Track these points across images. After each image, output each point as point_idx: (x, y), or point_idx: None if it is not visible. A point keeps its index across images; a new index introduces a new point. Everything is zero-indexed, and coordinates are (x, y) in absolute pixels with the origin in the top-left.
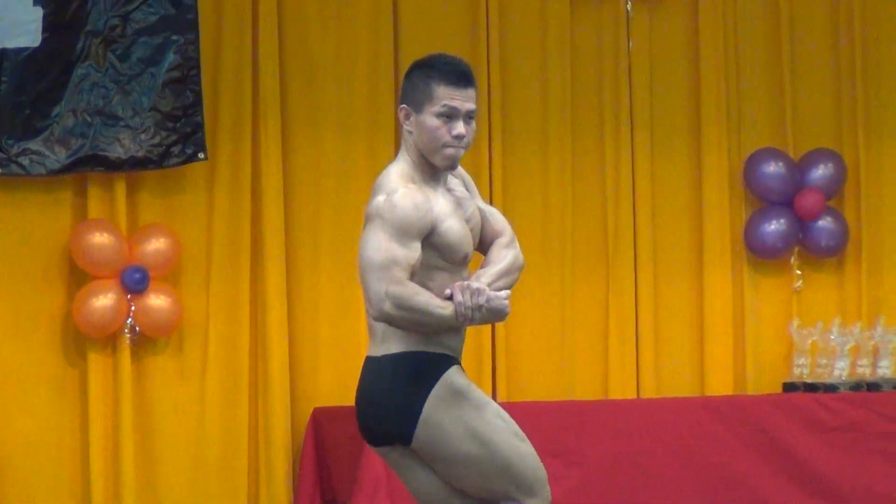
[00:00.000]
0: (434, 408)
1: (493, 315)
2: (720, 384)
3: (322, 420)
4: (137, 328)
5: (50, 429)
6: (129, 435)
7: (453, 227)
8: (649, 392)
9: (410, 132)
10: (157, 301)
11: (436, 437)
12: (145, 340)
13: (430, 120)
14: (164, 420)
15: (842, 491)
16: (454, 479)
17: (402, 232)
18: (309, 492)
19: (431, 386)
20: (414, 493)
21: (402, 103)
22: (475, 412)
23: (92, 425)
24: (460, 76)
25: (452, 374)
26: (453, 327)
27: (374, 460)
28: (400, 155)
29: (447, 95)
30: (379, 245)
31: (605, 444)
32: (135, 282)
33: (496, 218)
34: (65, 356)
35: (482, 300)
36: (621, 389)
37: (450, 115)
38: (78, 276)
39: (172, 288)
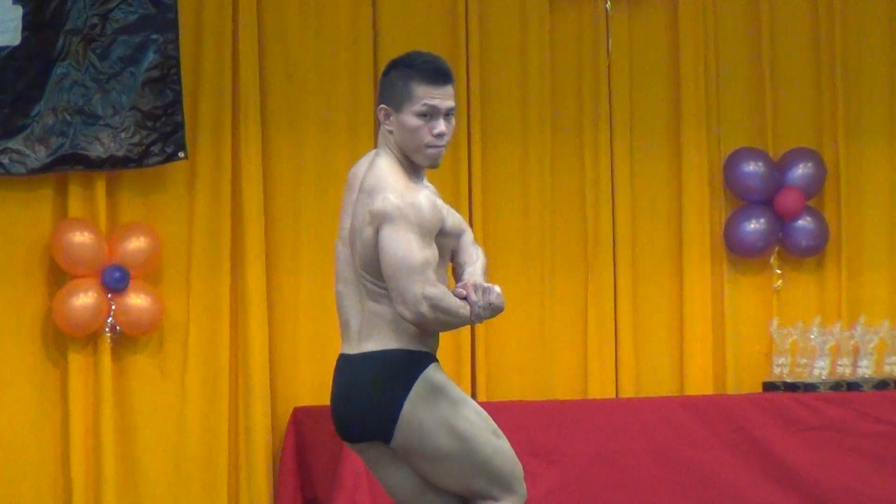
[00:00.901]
0: (414, 405)
1: (495, 311)
2: (700, 383)
3: (303, 419)
4: (118, 327)
5: (30, 428)
6: (110, 434)
7: (451, 223)
8: (628, 391)
9: (391, 132)
10: (137, 300)
11: (416, 434)
12: (126, 340)
13: (411, 119)
14: (145, 419)
15: (822, 490)
16: (433, 475)
17: (429, 232)
18: (290, 490)
19: (411, 384)
20: (388, 489)
21: (381, 103)
22: (453, 409)
23: (72, 424)
24: (439, 74)
25: (431, 372)
26: (466, 325)
27: (355, 459)
28: (381, 152)
29: (427, 94)
30: (412, 247)
31: (585, 443)
32: (115, 281)
33: (455, 215)
34: (45, 355)
35: (493, 298)
36: (600, 389)
37: (430, 114)
38: (58, 275)
39: (153, 287)
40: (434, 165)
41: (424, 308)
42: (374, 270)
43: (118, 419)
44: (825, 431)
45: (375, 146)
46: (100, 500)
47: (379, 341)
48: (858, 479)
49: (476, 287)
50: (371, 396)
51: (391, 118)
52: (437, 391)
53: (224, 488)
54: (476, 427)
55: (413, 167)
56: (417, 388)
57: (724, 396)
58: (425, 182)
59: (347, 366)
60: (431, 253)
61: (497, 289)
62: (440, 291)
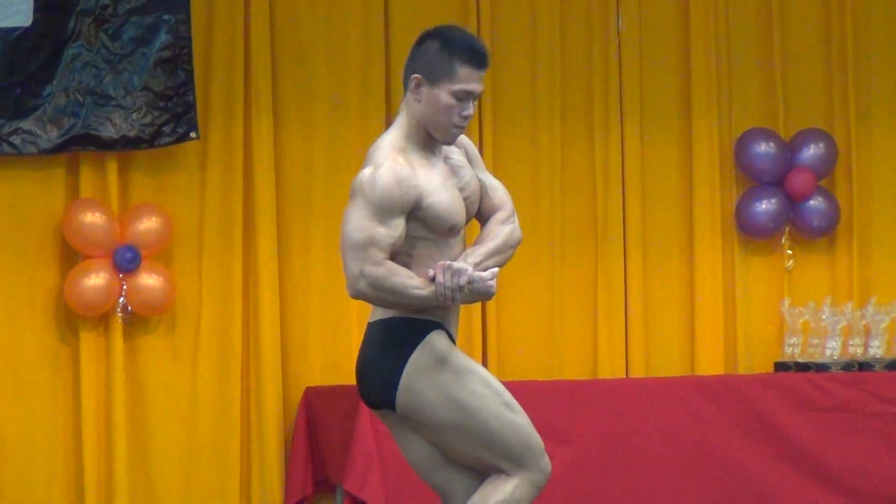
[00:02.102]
0: (413, 373)
1: (477, 296)
2: (710, 364)
3: (314, 399)
4: (129, 307)
5: (42, 408)
6: (122, 414)
7: (440, 200)
8: (639, 371)
9: (418, 101)
10: (148, 280)
11: (416, 403)
12: (137, 320)
13: (446, 97)
14: (157, 400)
15: (832, 470)
16: (441, 446)
17: (384, 210)
18: (301, 471)
19: (411, 351)
20: (407, 459)
21: (415, 72)
22: (456, 379)
23: (84, 404)
24: (482, 59)
25: (433, 340)
26: (435, 306)
27: (367, 439)
28: (396, 122)
29: (468, 78)
30: (358, 223)
31: (595, 423)
32: (126, 261)
33: (497, 192)
34: (57, 335)
35: (463, 281)
36: (610, 369)
37: (465, 98)
38: (70, 255)
39: (164, 267)
40: (450, 143)
41: (362, 286)
42: None
43: (130, 400)
44: (836, 412)
45: (388, 125)
46: (111, 479)
47: (384, 310)
48: (870, 459)
49: (446, 268)
50: (374, 363)
51: (422, 89)
52: (439, 359)
53: (235, 469)
54: (481, 399)
55: (428, 141)
56: (417, 355)
57: (735, 377)
58: (449, 152)
59: (366, 333)
60: (384, 231)
61: (475, 274)
62: (382, 271)
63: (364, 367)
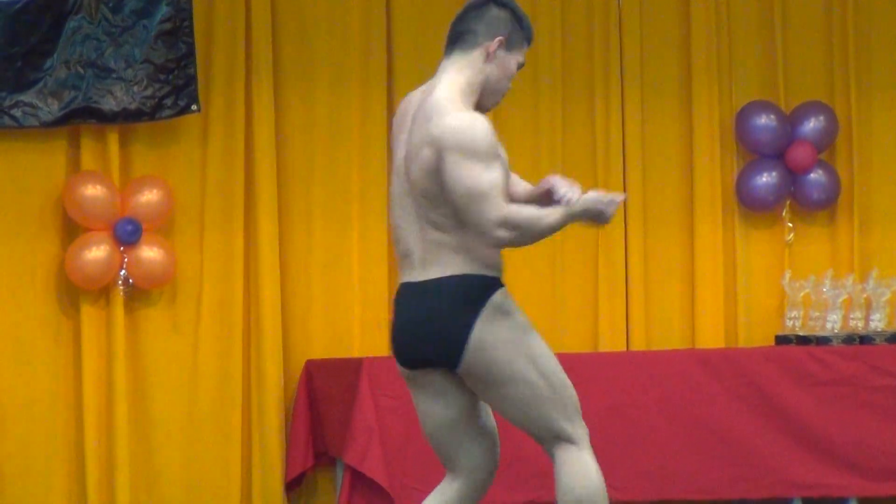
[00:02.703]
0: (483, 329)
1: (594, 216)
2: (711, 337)
3: (314, 372)
4: (131, 280)
5: (43, 380)
6: (123, 387)
7: (503, 153)
8: (639, 345)
9: (490, 62)
10: (149, 253)
11: (486, 358)
12: (138, 292)
13: (513, 66)
14: (158, 372)
15: (833, 444)
16: (502, 403)
17: (490, 155)
18: (301, 444)
19: (480, 307)
20: (425, 425)
21: (497, 35)
22: (523, 334)
23: (85, 377)
24: (532, 39)
25: (500, 297)
26: (560, 228)
27: (367, 413)
28: (449, 76)
29: (524, 53)
30: (476, 174)
31: (596, 396)
32: (127, 234)
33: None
34: (59, 308)
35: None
36: (611, 342)
37: (517, 71)
38: (71, 228)
39: (165, 240)
40: (489, 110)
41: (502, 233)
42: (434, 197)
43: (130, 372)
44: (837, 385)
45: (389, 99)
46: (112, 451)
47: (444, 267)
48: (871, 433)
49: (561, 180)
50: (440, 321)
51: (499, 52)
52: (506, 315)
53: (237, 441)
54: (546, 355)
55: (474, 101)
56: (486, 311)
57: (736, 350)
58: None
59: (413, 293)
60: (499, 174)
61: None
62: (514, 209)
63: (421, 324)
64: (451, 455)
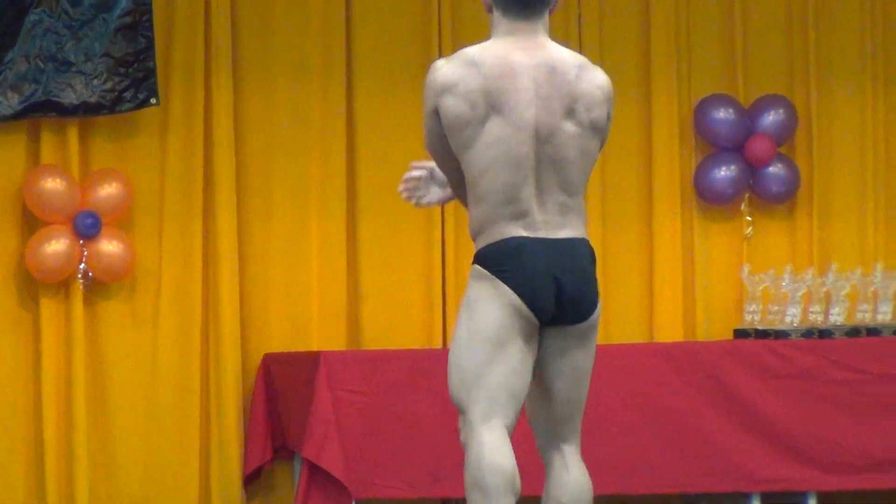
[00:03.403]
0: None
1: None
2: (670, 331)
3: (272, 366)
4: (90, 273)
5: (2, 373)
6: (82, 380)
7: None
8: (598, 338)
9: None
10: (109, 246)
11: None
12: (98, 286)
13: None
14: (117, 365)
15: (792, 438)
16: (590, 362)
17: None
18: (260, 438)
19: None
20: (561, 378)
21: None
22: None
23: (44, 370)
24: None
25: None
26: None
27: (325, 406)
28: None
29: None
30: None
31: None
32: (87, 227)
33: None
34: (18, 301)
35: None
36: None
37: None
38: (30, 221)
39: (125, 233)
40: None
41: None
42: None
43: (90, 365)
44: (796, 379)
45: (349, 91)
46: (71, 444)
47: (581, 229)
48: (829, 427)
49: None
50: (593, 273)
51: None
52: None
53: (195, 434)
54: None
55: None
56: None
57: (695, 343)
58: None
59: (568, 249)
60: None
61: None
62: None
63: (591, 276)
64: (562, 417)
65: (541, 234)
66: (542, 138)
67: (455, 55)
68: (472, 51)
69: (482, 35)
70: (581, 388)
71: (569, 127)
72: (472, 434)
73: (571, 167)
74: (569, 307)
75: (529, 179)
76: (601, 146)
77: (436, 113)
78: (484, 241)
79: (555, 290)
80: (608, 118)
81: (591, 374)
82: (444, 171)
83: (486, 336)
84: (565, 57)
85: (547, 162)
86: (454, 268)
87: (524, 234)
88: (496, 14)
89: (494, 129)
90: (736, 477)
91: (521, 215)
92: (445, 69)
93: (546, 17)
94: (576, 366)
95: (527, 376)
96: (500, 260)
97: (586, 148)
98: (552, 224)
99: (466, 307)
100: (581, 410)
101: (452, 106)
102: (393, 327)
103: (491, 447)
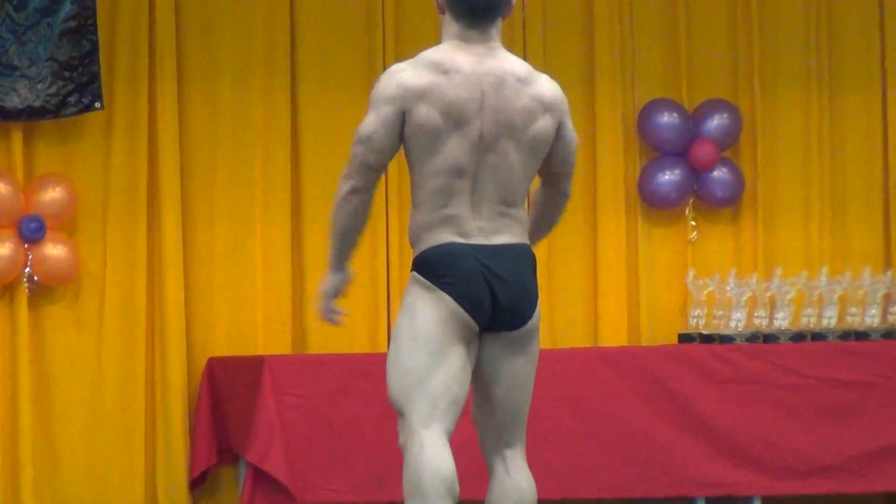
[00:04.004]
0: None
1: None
2: (614, 335)
3: (217, 370)
4: (35, 277)
5: None
6: (27, 383)
7: None
8: (543, 343)
9: None
10: (54, 250)
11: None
12: (43, 290)
13: None
14: (62, 369)
15: (737, 442)
16: (530, 373)
17: None
18: (205, 442)
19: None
20: (500, 385)
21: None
22: None
23: None
24: None
25: None
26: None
27: (269, 410)
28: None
29: None
30: None
31: None
32: (31, 231)
33: None
34: None
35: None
36: None
37: None
38: None
39: (69, 237)
40: None
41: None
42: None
43: (35, 369)
44: (741, 384)
45: (292, 96)
46: (16, 447)
47: (522, 235)
48: (774, 431)
49: None
50: (533, 281)
51: None
52: None
53: (140, 438)
54: None
55: None
56: None
57: (639, 348)
58: None
59: (511, 256)
60: None
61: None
62: None
63: (529, 282)
64: (508, 419)
65: (474, 241)
66: (484, 148)
67: (417, 59)
68: (436, 56)
69: (426, 39)
70: (522, 394)
71: (510, 139)
72: (411, 437)
73: (510, 178)
74: (505, 313)
75: (466, 188)
76: (558, 151)
77: (401, 115)
78: (420, 248)
79: (490, 295)
80: (559, 126)
81: (535, 379)
82: (358, 166)
83: (426, 341)
84: (514, 68)
85: (486, 171)
86: (398, 273)
87: (458, 240)
88: (448, 18)
89: (451, 139)
90: (681, 481)
91: (455, 222)
92: (412, 73)
93: (499, 23)
94: (515, 372)
95: (466, 381)
96: (436, 266)
97: (526, 160)
98: (487, 231)
99: (406, 312)
100: (523, 416)
101: (427, 114)
102: (338, 332)
103: (430, 451)
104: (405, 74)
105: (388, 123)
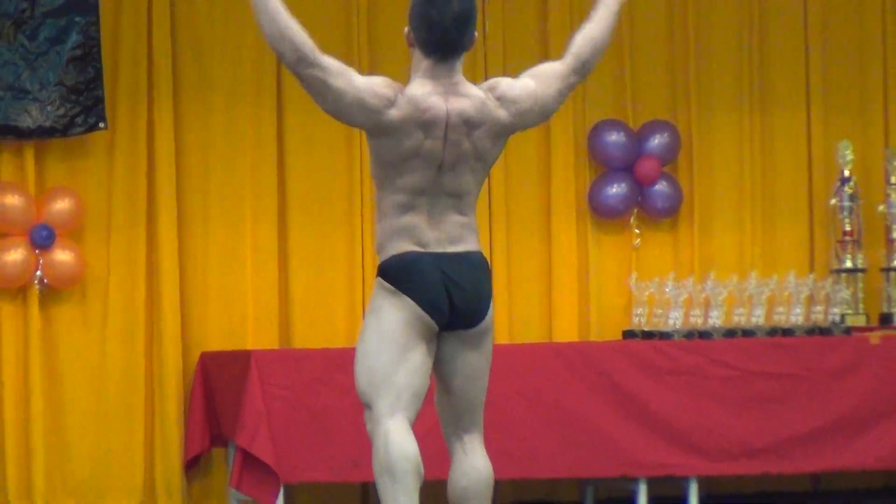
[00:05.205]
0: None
1: None
2: (566, 331)
3: (208, 363)
4: (45, 280)
5: None
6: (38, 376)
7: None
8: (502, 338)
9: None
10: (62, 256)
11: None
12: (52, 292)
13: None
14: (70, 363)
15: (676, 428)
16: (486, 363)
17: None
18: (198, 428)
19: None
20: (458, 377)
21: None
22: None
23: (4, 368)
24: None
25: None
26: None
27: (256, 400)
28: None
29: None
30: None
31: None
32: (42, 238)
33: None
34: None
35: None
36: None
37: None
38: None
39: (76, 244)
40: None
41: None
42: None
43: (46, 363)
44: (679, 375)
45: (279, 115)
46: (29, 438)
47: (476, 243)
48: (709, 417)
49: None
50: (488, 283)
51: None
52: None
53: (140, 425)
54: None
55: None
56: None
57: (588, 343)
58: None
59: (471, 263)
60: None
61: None
62: None
63: (482, 286)
64: (463, 408)
65: (432, 250)
66: (443, 171)
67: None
68: (413, 93)
69: (399, 63)
70: (478, 385)
71: (466, 165)
72: (378, 426)
73: (465, 194)
74: (462, 313)
75: (424, 204)
76: (537, 105)
77: (390, 103)
78: (384, 256)
79: (447, 298)
80: (514, 111)
81: (491, 371)
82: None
83: (391, 340)
84: (474, 100)
85: (444, 190)
86: (373, 274)
87: (418, 249)
88: (418, 53)
89: (415, 162)
90: (625, 463)
91: (414, 233)
92: (406, 96)
93: (462, 57)
94: (471, 365)
95: (427, 375)
96: (398, 273)
97: (479, 179)
98: (444, 240)
99: (372, 314)
100: (480, 404)
101: (400, 136)
102: (319, 328)
103: (396, 436)
104: (408, 91)
105: (370, 90)
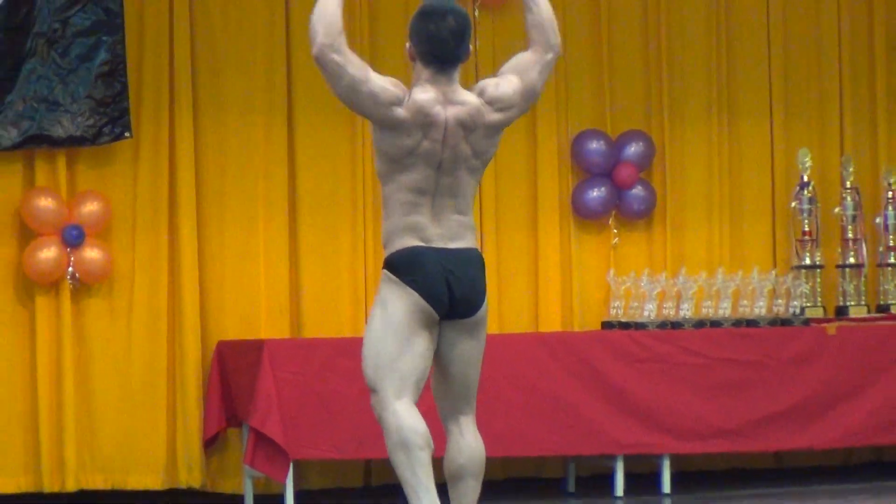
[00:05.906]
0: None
1: None
2: (550, 322)
3: (225, 351)
4: (76, 276)
5: (2, 359)
6: (70, 365)
7: None
8: (492, 329)
9: None
10: (92, 254)
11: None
12: (83, 286)
13: None
14: (99, 352)
15: (650, 410)
16: (479, 353)
17: None
18: (215, 410)
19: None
20: (459, 364)
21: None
22: None
23: (39, 357)
24: None
25: None
26: None
27: (268, 385)
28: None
29: None
30: None
31: None
32: (73, 238)
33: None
34: (16, 299)
35: None
36: None
37: None
38: (26, 233)
39: (104, 243)
40: None
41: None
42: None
43: (76, 352)
44: (653, 363)
45: (290, 127)
46: (61, 420)
47: (474, 239)
48: (680, 401)
49: None
50: (482, 275)
51: None
52: None
53: (163, 407)
54: None
55: None
56: None
57: (570, 333)
58: None
59: (466, 258)
60: None
61: None
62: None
63: (478, 280)
64: (461, 393)
65: (435, 245)
66: (443, 173)
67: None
68: (418, 97)
69: (399, 63)
70: (472, 370)
71: (465, 167)
72: (386, 409)
73: (463, 195)
74: (460, 304)
75: (427, 203)
76: (527, 91)
77: (399, 102)
78: (390, 250)
79: (448, 290)
80: (502, 108)
81: (484, 358)
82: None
83: (397, 329)
84: (469, 107)
85: (444, 190)
86: (374, 270)
87: (422, 244)
88: (419, 65)
89: (418, 163)
90: (603, 442)
91: (419, 230)
92: (412, 99)
93: (459, 66)
94: (467, 352)
95: (429, 361)
96: (403, 266)
97: (477, 177)
98: (445, 237)
99: (378, 304)
100: (474, 388)
101: (404, 134)
102: (327, 318)
103: (406, 415)
104: (413, 94)
105: (382, 86)
